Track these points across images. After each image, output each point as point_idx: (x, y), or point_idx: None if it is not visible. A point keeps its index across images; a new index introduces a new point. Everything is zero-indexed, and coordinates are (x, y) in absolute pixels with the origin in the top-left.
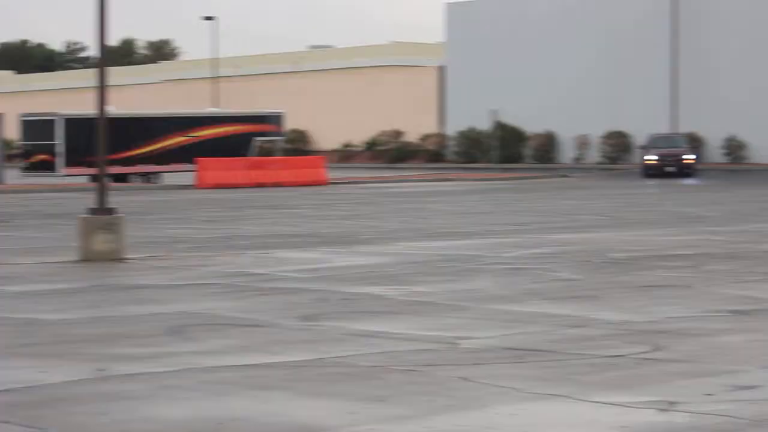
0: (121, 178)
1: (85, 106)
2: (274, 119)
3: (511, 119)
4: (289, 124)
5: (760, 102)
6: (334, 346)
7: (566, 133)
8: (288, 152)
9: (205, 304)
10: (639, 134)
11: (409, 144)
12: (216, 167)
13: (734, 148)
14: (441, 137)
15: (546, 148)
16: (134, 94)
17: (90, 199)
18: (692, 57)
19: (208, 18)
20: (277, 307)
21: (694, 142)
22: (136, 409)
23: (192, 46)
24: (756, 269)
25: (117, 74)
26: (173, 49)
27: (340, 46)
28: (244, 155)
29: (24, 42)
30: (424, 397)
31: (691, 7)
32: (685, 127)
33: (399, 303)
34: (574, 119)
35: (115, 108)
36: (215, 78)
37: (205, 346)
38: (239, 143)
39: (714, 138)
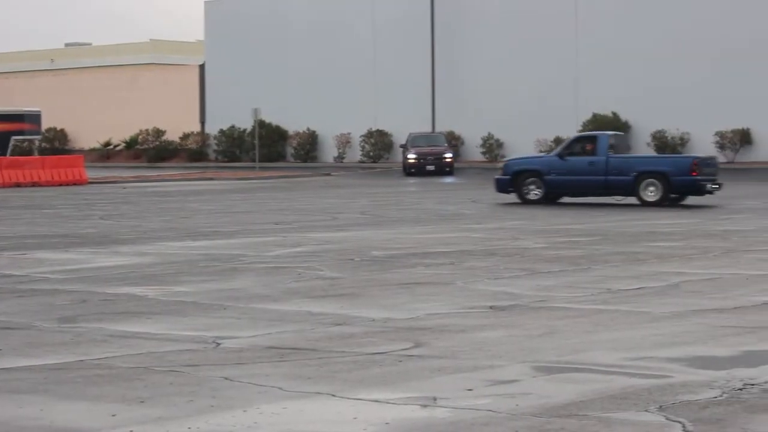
0: None
1: None
2: (31, 118)
3: (272, 118)
4: (47, 122)
5: (512, 103)
6: (93, 348)
7: (328, 132)
8: (45, 151)
9: None
10: (400, 133)
11: (170, 143)
12: None
13: (491, 147)
14: (202, 136)
15: (308, 147)
16: None
17: None
18: (450, 57)
19: None
20: (34, 309)
21: (454, 141)
22: None
23: None
24: (512, 265)
25: None
26: None
27: (99, 44)
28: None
29: None
30: (186, 398)
31: (447, 11)
32: (444, 126)
33: (160, 303)
34: (335, 118)
35: None
36: None
37: None
38: None
39: (473, 137)
